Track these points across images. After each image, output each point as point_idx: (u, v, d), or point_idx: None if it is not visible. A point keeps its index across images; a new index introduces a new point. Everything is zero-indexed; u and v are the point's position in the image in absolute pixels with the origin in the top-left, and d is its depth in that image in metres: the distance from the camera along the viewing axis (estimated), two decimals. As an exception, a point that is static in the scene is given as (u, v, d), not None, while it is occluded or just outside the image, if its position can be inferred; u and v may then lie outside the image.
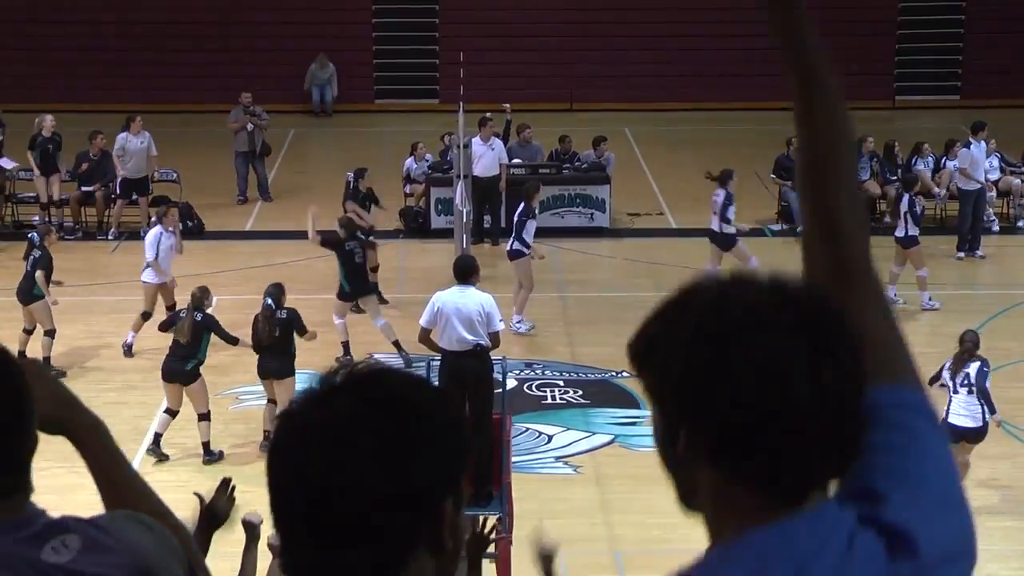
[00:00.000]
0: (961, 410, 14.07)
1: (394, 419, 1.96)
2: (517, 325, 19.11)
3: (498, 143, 23.59)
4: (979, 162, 23.28)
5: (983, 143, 23.55)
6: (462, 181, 19.46)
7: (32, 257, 18.13)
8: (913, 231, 20.27)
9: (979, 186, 23.10)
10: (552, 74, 32.74)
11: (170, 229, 18.82)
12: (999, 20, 33.74)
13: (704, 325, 1.94)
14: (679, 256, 22.83)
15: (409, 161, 24.82)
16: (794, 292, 1.99)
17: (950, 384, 14.16)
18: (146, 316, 18.47)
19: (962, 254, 22.81)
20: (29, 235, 18.95)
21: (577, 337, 19.36)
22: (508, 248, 19.83)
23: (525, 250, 19.28)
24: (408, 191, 24.70)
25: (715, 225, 20.65)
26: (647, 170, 28.03)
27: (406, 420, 1.96)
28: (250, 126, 25.48)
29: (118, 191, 23.81)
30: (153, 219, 20.15)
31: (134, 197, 23.70)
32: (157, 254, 18.48)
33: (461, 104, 20.48)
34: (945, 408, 14.11)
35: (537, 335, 19.27)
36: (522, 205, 19.73)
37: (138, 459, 15.73)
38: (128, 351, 18.55)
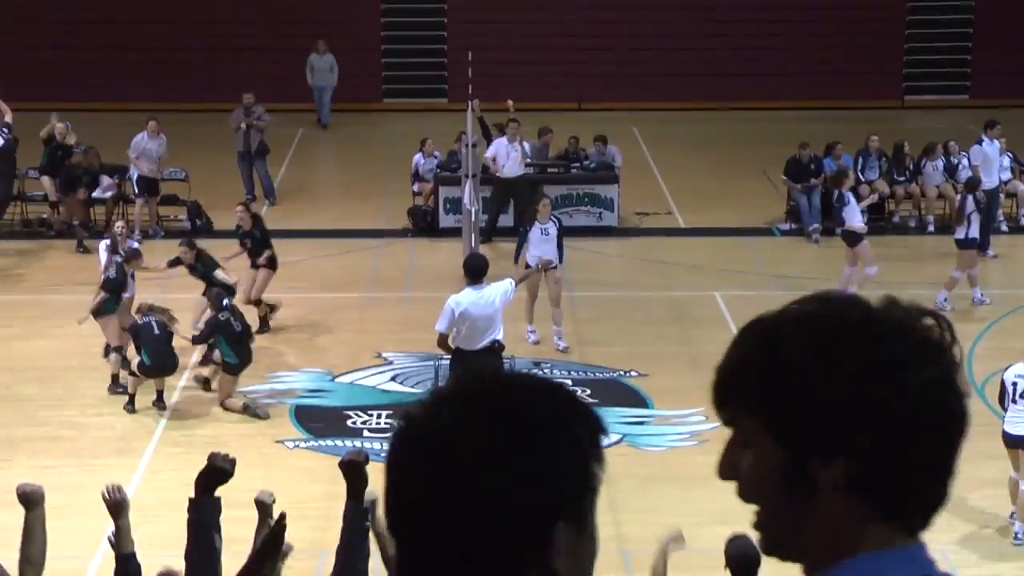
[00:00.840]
0: (1017, 418, 13.85)
1: (503, 433, 1.84)
2: (530, 335, 18.95)
3: (526, 144, 23.57)
4: (992, 160, 23.21)
5: (996, 141, 23.48)
6: (470, 180, 19.44)
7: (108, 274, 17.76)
8: (974, 233, 20.21)
9: (993, 185, 23.05)
10: (561, 73, 32.74)
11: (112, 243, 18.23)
12: (1009, 19, 33.70)
13: (871, 351, 1.89)
14: (688, 255, 22.83)
15: (418, 157, 24.80)
16: (916, 313, 1.95)
17: (1010, 391, 13.93)
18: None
19: (973, 253, 22.79)
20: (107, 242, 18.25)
21: (585, 336, 19.35)
22: None
23: (528, 262, 18.83)
24: (416, 190, 24.69)
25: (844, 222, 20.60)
26: (655, 169, 28.02)
27: (515, 435, 1.84)
28: (244, 126, 25.46)
29: (135, 190, 23.88)
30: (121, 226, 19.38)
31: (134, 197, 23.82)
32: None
33: (469, 103, 20.49)
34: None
35: (545, 334, 19.22)
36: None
37: (148, 455, 15.75)
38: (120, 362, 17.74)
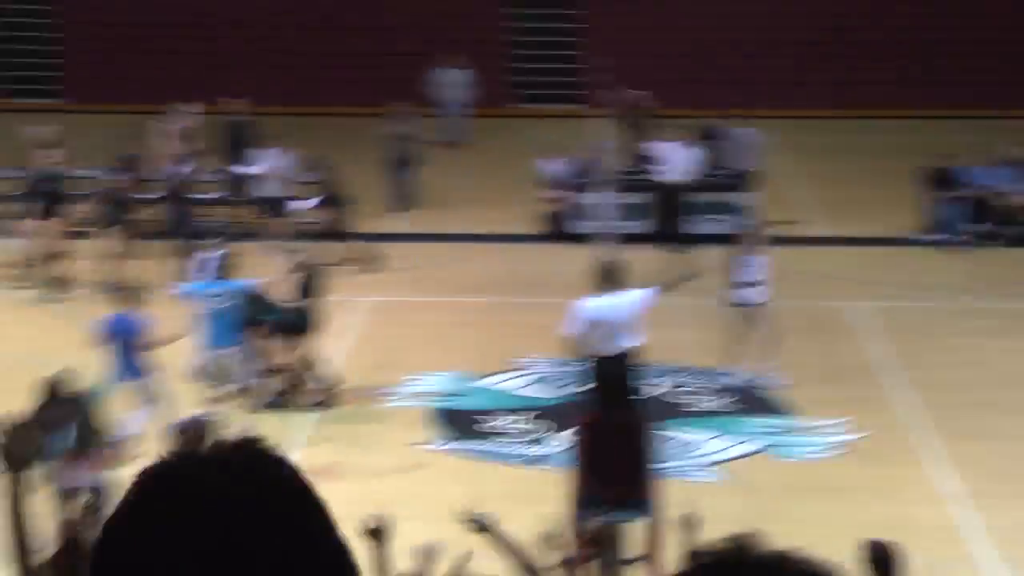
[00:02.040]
0: None
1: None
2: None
3: (695, 150, 22.99)
4: None
5: None
6: (604, 186, 19.38)
7: None
8: None
9: None
10: (713, 80, 32.32)
11: None
12: None
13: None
14: (822, 264, 22.46)
15: (552, 162, 24.81)
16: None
17: None
18: None
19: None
20: None
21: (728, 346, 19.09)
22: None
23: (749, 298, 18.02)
24: (551, 195, 24.62)
25: None
26: (788, 177, 27.70)
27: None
28: (399, 132, 25.69)
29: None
30: None
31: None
32: None
33: (607, 110, 20.43)
34: None
35: (682, 341, 19.04)
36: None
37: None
38: None
